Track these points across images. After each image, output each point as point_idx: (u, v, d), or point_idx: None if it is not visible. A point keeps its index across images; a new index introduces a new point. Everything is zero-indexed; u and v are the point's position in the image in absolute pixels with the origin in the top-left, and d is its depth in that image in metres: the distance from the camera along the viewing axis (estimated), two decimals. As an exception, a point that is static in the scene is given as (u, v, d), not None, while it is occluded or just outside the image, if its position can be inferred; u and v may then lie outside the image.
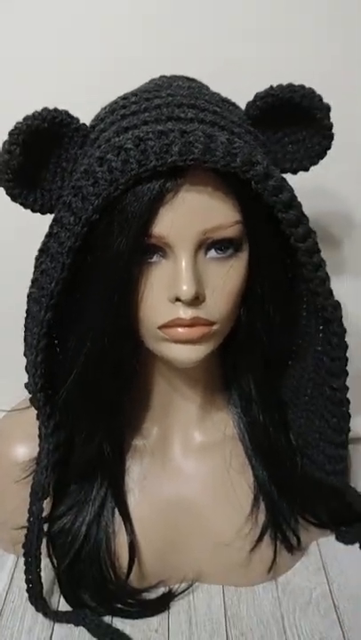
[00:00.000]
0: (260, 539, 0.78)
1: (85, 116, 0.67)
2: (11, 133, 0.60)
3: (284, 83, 0.64)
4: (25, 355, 0.70)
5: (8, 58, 0.87)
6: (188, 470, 0.80)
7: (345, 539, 0.87)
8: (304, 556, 0.85)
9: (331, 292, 0.67)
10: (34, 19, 0.86)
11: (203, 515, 0.78)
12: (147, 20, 0.85)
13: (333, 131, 0.65)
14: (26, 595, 0.76)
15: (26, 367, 0.70)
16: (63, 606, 0.77)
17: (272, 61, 0.85)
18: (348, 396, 0.72)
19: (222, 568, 0.79)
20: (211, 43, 0.86)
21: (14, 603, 0.79)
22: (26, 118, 0.61)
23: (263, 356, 0.76)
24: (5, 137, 0.61)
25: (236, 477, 0.79)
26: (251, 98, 0.66)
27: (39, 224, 0.68)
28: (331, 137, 0.65)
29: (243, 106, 0.68)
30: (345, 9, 0.85)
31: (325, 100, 0.63)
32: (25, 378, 0.72)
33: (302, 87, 0.63)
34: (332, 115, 0.64)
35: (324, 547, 0.87)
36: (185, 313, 0.61)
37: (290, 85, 0.63)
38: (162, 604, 0.77)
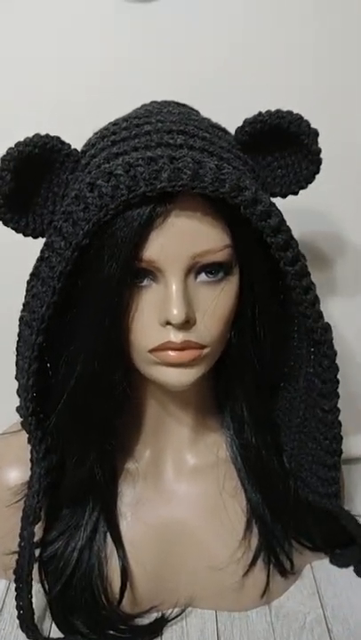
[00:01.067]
0: (253, 563, 0.78)
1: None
2: (2, 159, 0.61)
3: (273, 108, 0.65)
4: (16, 378, 0.70)
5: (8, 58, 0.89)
6: (181, 493, 0.79)
7: (339, 562, 0.87)
8: (298, 580, 0.84)
9: (321, 314, 0.67)
10: (33, 18, 0.86)
11: (196, 539, 0.78)
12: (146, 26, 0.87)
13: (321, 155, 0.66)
14: (17, 621, 0.75)
15: (17, 391, 0.70)
16: (55, 633, 0.76)
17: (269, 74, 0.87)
18: (341, 417, 0.72)
19: (215, 592, 0.78)
20: (210, 46, 0.88)
21: (5, 630, 0.78)
22: (17, 144, 0.62)
23: (255, 378, 0.76)
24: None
25: (229, 500, 0.79)
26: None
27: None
28: (319, 161, 0.66)
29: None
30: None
31: (314, 125, 0.64)
32: (17, 401, 0.73)
33: (290, 113, 0.64)
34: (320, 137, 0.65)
35: (318, 570, 0.86)
36: (176, 337, 0.62)
37: (278, 111, 0.64)
38: (154, 630, 0.76)
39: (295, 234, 0.65)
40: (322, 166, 0.66)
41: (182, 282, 0.61)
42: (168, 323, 0.61)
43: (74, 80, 0.87)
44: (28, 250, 0.69)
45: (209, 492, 0.79)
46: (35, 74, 0.88)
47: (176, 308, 0.60)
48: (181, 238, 0.60)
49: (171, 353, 0.63)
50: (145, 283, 0.63)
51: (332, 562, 0.87)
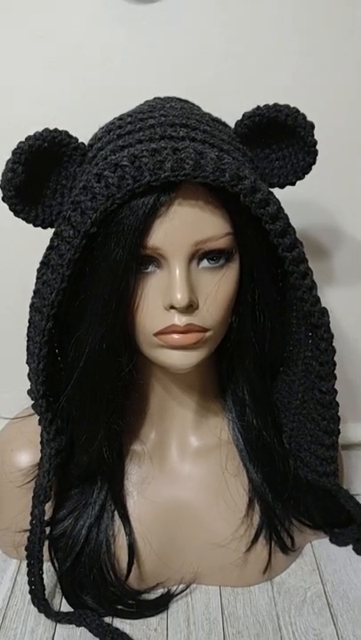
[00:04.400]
0: (255, 540, 0.81)
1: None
2: (14, 152, 0.64)
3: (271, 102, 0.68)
4: (27, 363, 0.73)
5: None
6: (185, 474, 0.82)
7: (338, 540, 0.90)
8: (299, 557, 0.87)
9: (318, 298, 0.70)
10: (35, 19, 0.88)
11: (199, 516, 0.81)
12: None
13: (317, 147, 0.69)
14: (28, 597, 0.78)
15: (28, 375, 0.73)
16: (65, 608, 0.79)
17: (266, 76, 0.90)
18: (339, 401, 0.75)
19: (219, 569, 0.81)
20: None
21: (17, 605, 0.81)
22: (28, 138, 0.65)
23: (256, 362, 0.79)
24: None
25: (232, 480, 0.82)
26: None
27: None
28: (315, 153, 0.69)
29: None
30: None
31: (310, 117, 0.67)
32: (23, 389, 0.76)
33: (287, 106, 0.67)
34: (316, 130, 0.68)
35: (318, 548, 0.89)
36: (179, 320, 0.65)
37: (275, 105, 0.67)
38: (161, 605, 0.80)
39: (294, 225, 0.68)
40: (318, 157, 0.69)
41: (185, 268, 0.64)
42: (172, 307, 0.64)
43: (76, 79, 0.90)
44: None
45: (212, 473, 0.82)
46: (37, 73, 0.90)
47: (180, 292, 0.63)
48: (184, 226, 0.63)
49: (175, 336, 0.66)
50: (150, 269, 0.66)
51: (331, 540, 0.90)
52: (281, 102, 0.67)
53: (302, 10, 0.87)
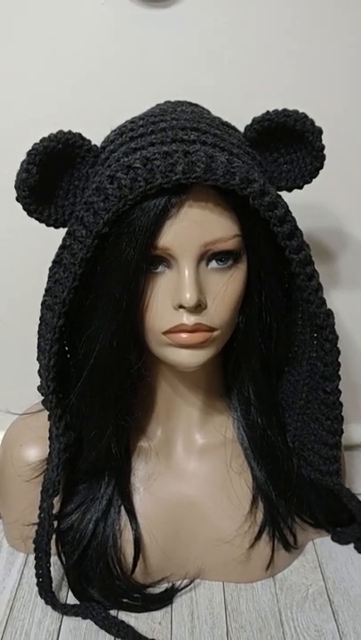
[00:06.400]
0: (258, 536, 0.82)
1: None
2: (29, 154, 0.66)
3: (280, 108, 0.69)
4: (38, 359, 0.74)
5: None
6: (191, 471, 0.84)
7: (340, 539, 0.91)
8: (301, 555, 0.89)
9: (323, 300, 0.71)
10: (41, 25, 0.90)
11: (204, 513, 0.82)
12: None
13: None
14: (35, 590, 0.80)
15: (39, 371, 0.75)
16: (71, 600, 0.80)
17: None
18: (343, 402, 0.76)
19: (222, 564, 0.83)
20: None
21: (24, 597, 0.82)
22: (42, 140, 0.67)
23: (261, 362, 0.81)
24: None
25: (236, 478, 0.83)
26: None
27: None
28: (322, 157, 0.70)
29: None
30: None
31: (318, 123, 0.69)
32: (31, 386, 0.78)
33: (296, 112, 0.68)
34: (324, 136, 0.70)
35: (320, 546, 0.91)
36: (188, 319, 0.66)
37: (284, 110, 0.68)
38: (165, 599, 0.81)
39: (301, 227, 0.69)
40: (325, 162, 0.70)
41: (194, 268, 0.65)
42: (181, 306, 0.66)
43: (86, 82, 0.92)
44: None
45: (217, 470, 0.84)
46: (50, 76, 0.92)
47: (189, 292, 0.64)
48: (194, 227, 0.64)
49: (183, 335, 0.67)
50: (159, 269, 0.67)
51: (333, 539, 0.91)
52: (289, 107, 0.69)
53: (311, 16, 0.89)
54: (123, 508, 0.80)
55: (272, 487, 0.83)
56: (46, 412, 0.77)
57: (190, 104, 0.76)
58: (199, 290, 0.66)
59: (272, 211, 0.64)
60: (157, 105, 0.76)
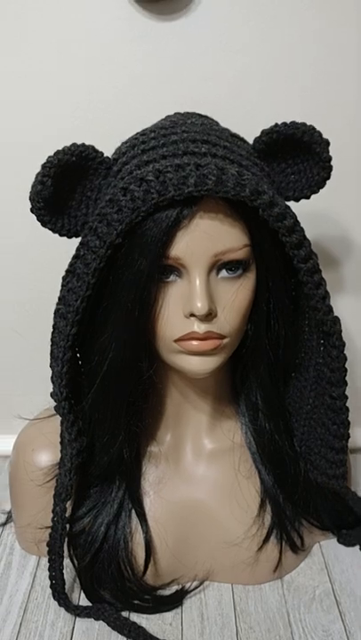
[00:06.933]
0: (266, 539, 0.83)
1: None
2: (43, 166, 0.68)
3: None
4: (51, 366, 0.76)
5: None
6: (200, 475, 0.85)
7: (346, 541, 0.93)
8: (308, 557, 0.90)
9: (330, 308, 0.73)
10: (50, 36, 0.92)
11: (213, 516, 0.84)
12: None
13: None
14: (48, 592, 0.82)
15: (51, 378, 0.76)
16: (83, 602, 0.82)
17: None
18: (349, 408, 0.78)
19: (231, 567, 0.84)
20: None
21: (37, 599, 0.84)
22: (57, 153, 0.68)
23: (269, 368, 0.82)
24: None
25: (244, 482, 0.85)
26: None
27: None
28: (330, 168, 0.72)
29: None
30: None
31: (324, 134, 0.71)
32: (42, 393, 0.79)
33: (303, 124, 0.70)
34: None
35: (327, 548, 0.92)
36: (199, 327, 0.68)
37: (293, 122, 0.70)
38: (175, 601, 0.83)
39: (308, 236, 0.71)
40: (333, 173, 0.72)
41: (205, 277, 0.67)
42: (192, 315, 0.67)
43: (98, 94, 0.94)
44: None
45: (225, 474, 0.85)
46: (58, 91, 0.94)
47: (200, 301, 0.66)
48: (205, 238, 0.66)
49: (194, 342, 0.69)
50: (171, 278, 0.69)
51: (339, 541, 0.93)
52: (297, 119, 0.70)
53: (317, 29, 0.91)
54: (133, 511, 0.81)
55: (279, 491, 0.85)
56: (57, 418, 0.78)
57: (200, 116, 0.77)
58: (210, 299, 0.67)
59: (281, 221, 0.66)
60: (168, 117, 0.77)
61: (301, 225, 0.70)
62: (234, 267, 0.69)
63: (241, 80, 0.93)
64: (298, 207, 0.73)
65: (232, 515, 0.84)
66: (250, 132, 0.74)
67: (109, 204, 0.67)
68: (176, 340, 0.69)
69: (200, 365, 0.71)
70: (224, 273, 0.69)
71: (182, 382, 0.81)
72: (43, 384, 0.79)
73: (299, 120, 0.70)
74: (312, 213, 0.81)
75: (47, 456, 0.84)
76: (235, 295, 0.70)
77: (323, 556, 0.91)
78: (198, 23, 0.90)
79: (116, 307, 0.70)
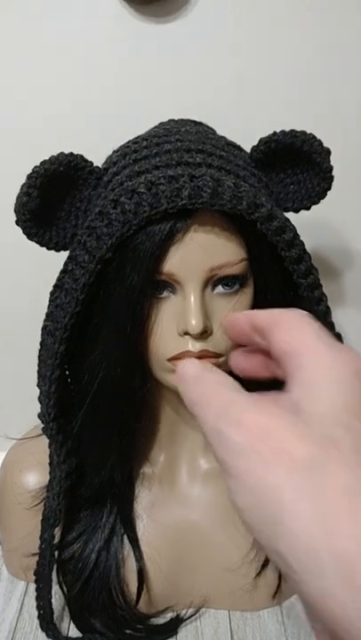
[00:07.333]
0: (265, 564, 0.80)
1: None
2: (29, 177, 0.64)
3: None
4: (38, 386, 0.72)
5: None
6: (195, 497, 0.82)
7: (347, 565, 0.89)
8: (308, 582, 0.87)
9: (332, 324, 0.70)
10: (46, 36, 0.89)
11: (209, 541, 0.80)
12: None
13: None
14: (36, 621, 0.77)
15: (39, 398, 0.73)
16: (73, 632, 0.78)
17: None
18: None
19: (228, 593, 0.81)
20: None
21: (25, 629, 0.80)
22: (43, 162, 0.64)
23: (267, 386, 0.79)
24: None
25: (241, 504, 0.81)
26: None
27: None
28: (330, 179, 0.68)
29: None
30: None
31: (325, 143, 0.67)
32: (32, 409, 0.76)
33: (303, 133, 0.67)
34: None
35: (328, 572, 0.89)
36: (193, 346, 0.64)
37: (292, 131, 0.67)
38: (170, 629, 0.79)
39: (307, 246, 0.68)
40: (334, 183, 0.69)
41: (200, 293, 0.63)
42: (186, 333, 0.64)
43: (88, 99, 0.90)
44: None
45: (222, 495, 0.81)
46: (45, 96, 0.91)
47: (194, 318, 0.62)
48: (200, 252, 0.62)
49: None
50: (164, 294, 0.65)
51: (340, 565, 0.89)
52: (296, 127, 0.67)
53: (317, 34, 0.88)
54: (125, 536, 0.78)
55: (278, 513, 0.81)
56: (46, 438, 0.75)
57: (195, 123, 0.74)
58: (205, 316, 0.64)
59: (280, 235, 0.63)
60: (161, 124, 0.74)
61: (301, 238, 0.67)
62: (230, 282, 0.65)
63: (238, 84, 0.90)
64: (296, 217, 0.70)
65: (229, 538, 0.80)
66: (247, 136, 0.71)
67: (99, 216, 0.63)
68: (169, 359, 0.66)
69: None
70: (220, 288, 0.66)
71: (177, 401, 0.78)
72: (32, 402, 0.75)
73: (298, 127, 0.67)
74: (311, 223, 0.78)
75: (35, 477, 0.81)
76: (231, 311, 0.66)
77: (323, 580, 0.87)
78: (194, 26, 0.87)
79: (106, 323, 0.67)
